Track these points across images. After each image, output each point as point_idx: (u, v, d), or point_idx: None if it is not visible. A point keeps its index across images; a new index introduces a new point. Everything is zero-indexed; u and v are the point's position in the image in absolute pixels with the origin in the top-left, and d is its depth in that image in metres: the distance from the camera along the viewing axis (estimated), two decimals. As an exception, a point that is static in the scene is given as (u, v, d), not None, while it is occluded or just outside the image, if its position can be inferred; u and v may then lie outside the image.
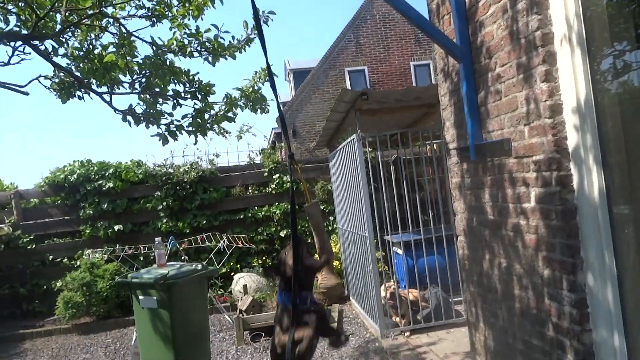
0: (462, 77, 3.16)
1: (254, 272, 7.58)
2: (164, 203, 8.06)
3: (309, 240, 7.01)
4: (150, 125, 4.40)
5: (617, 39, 2.39)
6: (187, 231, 8.03)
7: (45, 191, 8.11)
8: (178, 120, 4.46)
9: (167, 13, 4.31)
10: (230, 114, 4.61)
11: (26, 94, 4.03)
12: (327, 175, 8.04)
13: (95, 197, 7.97)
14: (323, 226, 3.27)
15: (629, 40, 2.37)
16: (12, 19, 4.03)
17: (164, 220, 8.10)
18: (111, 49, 4.30)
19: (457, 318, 5.29)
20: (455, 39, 3.20)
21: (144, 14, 4.25)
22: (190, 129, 4.48)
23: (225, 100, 4.61)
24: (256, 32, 4.38)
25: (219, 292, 7.70)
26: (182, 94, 4.45)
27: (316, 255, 3.18)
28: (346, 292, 7.38)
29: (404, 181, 5.76)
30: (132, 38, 4.28)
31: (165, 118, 4.43)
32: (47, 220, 8.07)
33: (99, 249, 7.67)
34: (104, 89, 4.31)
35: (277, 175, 8.43)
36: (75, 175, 7.95)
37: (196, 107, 4.51)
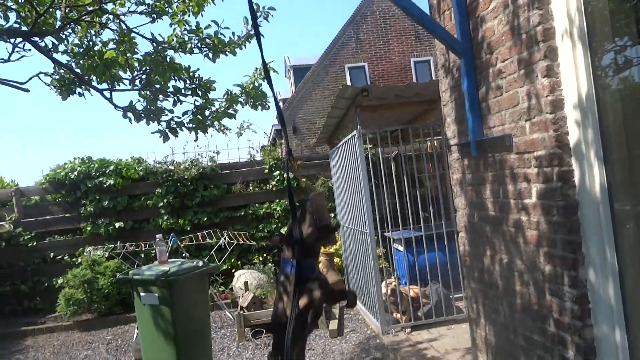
0: (463, 72, 3.15)
1: (254, 269, 7.59)
2: (165, 200, 8.06)
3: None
4: (150, 122, 4.40)
5: (618, 34, 2.38)
6: (188, 228, 8.03)
7: (46, 188, 8.11)
8: (178, 117, 4.46)
9: (167, 9, 4.30)
10: (230, 111, 4.61)
11: (26, 90, 4.03)
12: (328, 172, 8.03)
13: (96, 195, 7.97)
14: (328, 216, 3.20)
15: (630, 35, 2.36)
16: (12, 16, 4.03)
17: (165, 217, 8.10)
18: (111, 45, 4.30)
19: (457, 314, 5.30)
20: (456, 35, 3.19)
21: (144, 10, 4.25)
22: (190, 125, 4.48)
23: (225, 96, 4.61)
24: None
25: (220, 289, 7.71)
26: (183, 91, 4.45)
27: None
28: (347, 288, 7.38)
29: (405, 178, 5.76)
30: (132, 34, 4.27)
31: (166, 115, 4.43)
32: (48, 217, 8.08)
33: (100, 246, 7.67)
34: (104, 85, 4.31)
35: (278, 172, 8.42)
36: (75, 173, 7.95)
37: (197, 103, 4.51)
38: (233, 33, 4.44)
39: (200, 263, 4.46)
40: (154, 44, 4.32)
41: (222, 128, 4.82)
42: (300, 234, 2.56)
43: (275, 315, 2.73)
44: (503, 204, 2.94)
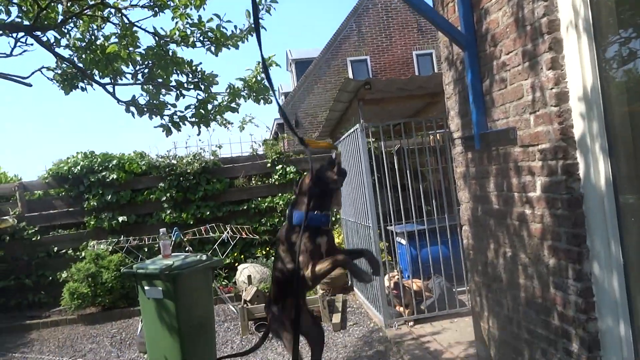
0: (466, 65, 3.13)
1: (257, 263, 7.61)
2: (168, 194, 8.07)
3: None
4: (153, 116, 4.39)
5: (624, 25, 2.36)
6: (191, 222, 8.05)
7: (49, 183, 8.13)
8: (181, 111, 4.46)
9: (169, 3, 4.29)
10: (233, 105, 4.60)
11: (29, 85, 4.04)
12: (330, 165, 8.02)
13: (99, 189, 7.99)
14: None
15: (635, 26, 2.34)
16: (14, 10, 4.02)
17: (168, 212, 8.12)
18: (113, 39, 4.29)
19: (460, 308, 5.31)
20: (459, 27, 3.17)
21: (146, 4, 4.24)
22: (193, 119, 4.47)
23: (228, 90, 4.60)
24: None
25: (223, 283, 7.74)
26: (185, 85, 4.45)
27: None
28: (350, 282, 7.40)
29: (407, 171, 5.75)
30: (135, 28, 4.27)
31: (169, 109, 4.43)
32: (51, 211, 8.10)
33: (103, 240, 7.70)
34: (106, 80, 4.31)
35: (280, 166, 8.42)
36: (78, 167, 7.97)
37: (199, 97, 4.50)
38: (235, 26, 4.43)
39: (204, 257, 4.46)
40: (156, 38, 4.31)
41: (225, 122, 4.82)
42: (327, 178, 2.64)
43: (279, 270, 2.73)
44: (507, 197, 2.94)
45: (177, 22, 4.36)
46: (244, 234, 7.55)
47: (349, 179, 6.15)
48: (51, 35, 4.11)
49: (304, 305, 2.92)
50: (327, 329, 5.68)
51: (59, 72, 4.43)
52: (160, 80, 4.36)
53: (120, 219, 8.01)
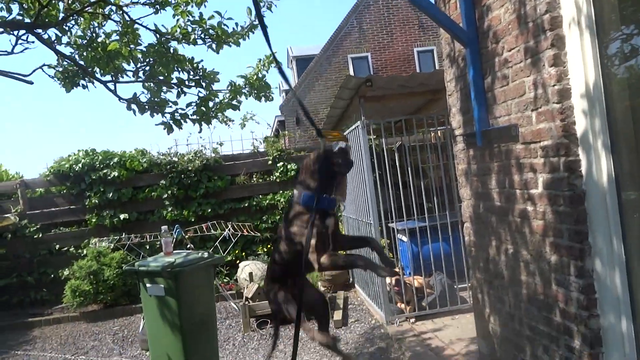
0: (468, 62, 3.13)
1: (259, 260, 7.61)
2: (169, 192, 8.08)
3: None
4: (155, 114, 4.39)
5: (626, 22, 2.36)
6: (192, 219, 8.05)
7: (51, 180, 8.13)
8: (182, 109, 4.45)
9: (170, 0, 4.27)
10: (234, 102, 4.60)
11: (30, 83, 4.03)
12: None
13: (100, 186, 7.99)
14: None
15: (638, 23, 2.34)
16: (15, 8, 4.01)
17: (169, 209, 8.12)
18: (114, 37, 4.28)
19: (462, 304, 5.31)
20: (461, 24, 3.16)
21: (147, 2, 4.23)
22: (194, 117, 4.47)
23: (229, 88, 4.59)
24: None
25: (225, 280, 7.75)
26: (187, 82, 4.44)
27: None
28: (351, 279, 7.41)
29: (408, 168, 5.75)
30: (136, 26, 4.25)
31: (170, 106, 4.42)
32: (53, 209, 8.11)
33: (105, 238, 7.71)
34: (107, 77, 4.30)
35: (282, 163, 8.42)
36: (80, 165, 7.97)
37: (200, 95, 4.49)
38: (236, 24, 4.42)
39: (206, 254, 4.47)
40: (158, 35, 4.31)
41: (226, 119, 4.82)
42: (334, 158, 2.64)
43: (283, 251, 2.70)
44: (509, 194, 2.94)
45: (178, 20, 4.35)
46: (245, 231, 7.55)
47: (351, 176, 6.15)
48: (52, 32, 4.11)
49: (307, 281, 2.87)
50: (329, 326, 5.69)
51: (60, 69, 4.42)
52: (161, 77, 4.35)
53: (122, 216, 8.02)
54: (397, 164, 5.59)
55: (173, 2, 4.29)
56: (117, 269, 7.11)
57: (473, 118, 3.18)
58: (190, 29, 4.36)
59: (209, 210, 8.16)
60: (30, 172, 20.65)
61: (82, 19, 4.25)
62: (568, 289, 2.47)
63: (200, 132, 4.59)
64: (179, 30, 4.34)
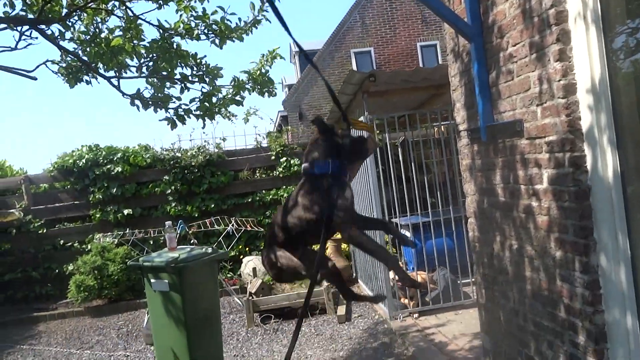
0: (473, 57, 3.11)
1: (262, 255, 7.63)
2: (173, 187, 8.10)
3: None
4: (158, 109, 4.39)
5: (632, 16, 2.34)
6: (196, 215, 8.08)
7: (55, 176, 8.17)
8: (186, 104, 4.44)
9: (173, -5, 4.26)
10: (237, 98, 4.59)
11: (34, 78, 4.04)
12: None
13: (104, 182, 8.02)
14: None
15: (645, 17, 2.32)
16: (18, 3, 4.00)
17: (173, 204, 8.15)
18: (118, 32, 4.27)
19: (465, 300, 5.32)
20: (466, 18, 3.14)
21: (150, -3, 4.21)
22: (198, 112, 4.46)
23: (232, 83, 4.59)
24: (263, 13, 4.35)
25: (229, 275, 7.77)
26: (190, 78, 4.43)
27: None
28: (354, 274, 7.42)
29: (412, 163, 5.74)
30: (139, 21, 4.24)
31: (174, 102, 4.42)
32: (57, 204, 8.15)
33: (109, 233, 7.74)
34: (111, 73, 4.30)
35: (284, 158, 8.42)
36: (83, 160, 8.00)
37: (204, 90, 4.49)
38: (239, 19, 4.40)
39: (209, 249, 4.48)
40: (161, 31, 4.29)
41: (229, 115, 4.81)
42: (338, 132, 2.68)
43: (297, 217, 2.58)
44: (513, 189, 2.93)
45: (181, 15, 4.33)
46: (248, 226, 7.57)
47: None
48: (55, 28, 4.10)
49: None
50: (332, 320, 5.71)
51: (64, 65, 4.42)
52: (164, 73, 4.34)
53: (126, 211, 8.05)
54: (401, 159, 5.58)
55: (176, -3, 4.28)
56: (121, 264, 7.15)
57: (477, 113, 3.16)
58: (193, 25, 4.34)
59: (213, 205, 8.18)
60: (34, 168, 20.73)
61: (85, 14, 4.24)
62: (573, 285, 2.47)
63: (203, 127, 4.59)
64: (182, 25, 4.33)
